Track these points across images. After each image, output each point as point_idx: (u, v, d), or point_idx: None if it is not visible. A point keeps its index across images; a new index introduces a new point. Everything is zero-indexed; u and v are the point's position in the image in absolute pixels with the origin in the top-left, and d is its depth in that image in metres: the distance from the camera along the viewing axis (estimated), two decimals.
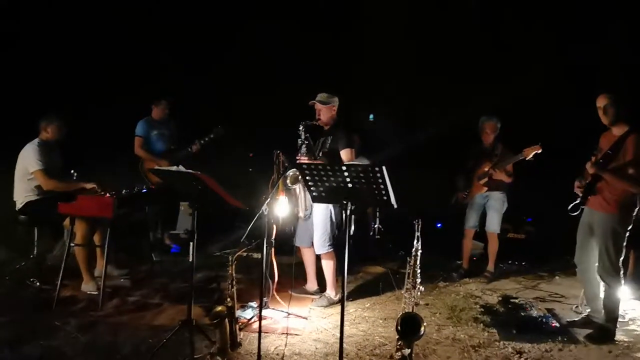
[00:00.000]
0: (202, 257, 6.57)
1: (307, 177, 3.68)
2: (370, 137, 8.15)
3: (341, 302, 3.66)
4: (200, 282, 5.96)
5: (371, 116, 9.25)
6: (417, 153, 8.56)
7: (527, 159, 5.95)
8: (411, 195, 9.13)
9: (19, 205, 5.51)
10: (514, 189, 6.50)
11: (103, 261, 5.28)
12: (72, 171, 5.74)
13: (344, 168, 3.54)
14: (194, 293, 5.44)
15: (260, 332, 3.77)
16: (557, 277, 6.58)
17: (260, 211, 3.58)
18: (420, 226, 4.33)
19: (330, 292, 5.47)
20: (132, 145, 6.94)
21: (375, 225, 7.96)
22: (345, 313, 5.11)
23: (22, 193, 5.47)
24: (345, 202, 3.61)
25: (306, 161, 5.03)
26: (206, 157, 7.33)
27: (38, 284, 5.51)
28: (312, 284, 5.73)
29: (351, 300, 5.62)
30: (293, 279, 5.43)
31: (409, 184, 9.17)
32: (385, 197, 3.59)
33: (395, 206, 3.72)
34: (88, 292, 5.35)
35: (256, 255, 6.66)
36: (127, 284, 5.70)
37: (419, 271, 4.22)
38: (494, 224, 6.50)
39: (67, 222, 5.32)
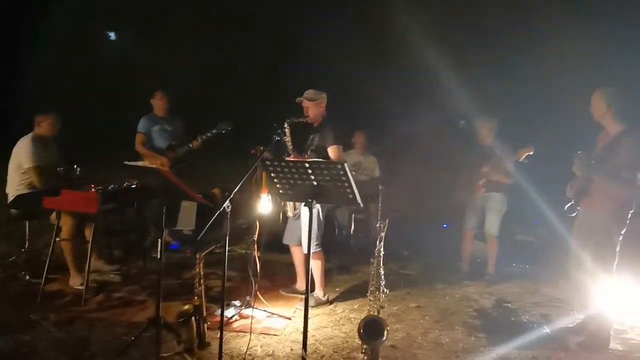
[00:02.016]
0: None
1: (272, 175, 3.59)
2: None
3: (305, 303, 3.53)
4: (192, 279, 5.88)
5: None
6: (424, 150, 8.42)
7: (519, 160, 5.80)
8: (419, 195, 9.11)
9: (10, 199, 5.55)
10: (523, 189, 6.30)
11: (89, 257, 5.27)
12: (74, 166, 5.75)
13: (307, 165, 3.44)
14: (182, 290, 5.52)
15: (222, 331, 3.69)
16: (560, 282, 6.33)
17: (222, 208, 3.49)
18: (385, 227, 4.18)
19: (319, 292, 5.38)
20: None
21: (378, 224, 7.80)
22: (331, 313, 5.14)
23: (14, 186, 5.50)
24: (310, 200, 3.51)
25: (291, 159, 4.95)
26: (209, 152, 7.31)
27: (28, 277, 5.54)
28: (301, 283, 5.64)
29: (341, 301, 5.53)
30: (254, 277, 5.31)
31: (416, 184, 9.14)
32: (350, 195, 3.48)
33: (362, 205, 3.61)
34: (75, 287, 5.35)
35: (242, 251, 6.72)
36: (116, 280, 5.69)
37: (382, 273, 4.08)
38: (493, 226, 6.32)
39: (53, 216, 5.33)
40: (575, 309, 5.10)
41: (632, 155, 4.31)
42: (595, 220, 4.54)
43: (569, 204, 4.67)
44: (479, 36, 8.54)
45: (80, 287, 5.23)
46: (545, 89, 7.88)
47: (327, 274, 5.60)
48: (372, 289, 4.00)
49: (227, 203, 3.48)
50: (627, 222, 4.48)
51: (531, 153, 5.83)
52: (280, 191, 3.65)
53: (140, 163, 4.89)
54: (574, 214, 4.70)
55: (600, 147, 4.56)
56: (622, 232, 4.48)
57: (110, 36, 11.57)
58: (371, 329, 3.50)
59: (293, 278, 5.82)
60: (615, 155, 4.35)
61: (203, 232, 3.57)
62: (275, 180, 3.59)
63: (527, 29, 8.16)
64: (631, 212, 4.46)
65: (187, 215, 7.65)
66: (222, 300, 3.69)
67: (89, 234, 5.53)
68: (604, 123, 4.56)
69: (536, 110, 7.96)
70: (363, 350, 3.58)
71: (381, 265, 4.10)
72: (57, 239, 5.29)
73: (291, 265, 6.10)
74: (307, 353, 4.09)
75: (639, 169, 4.37)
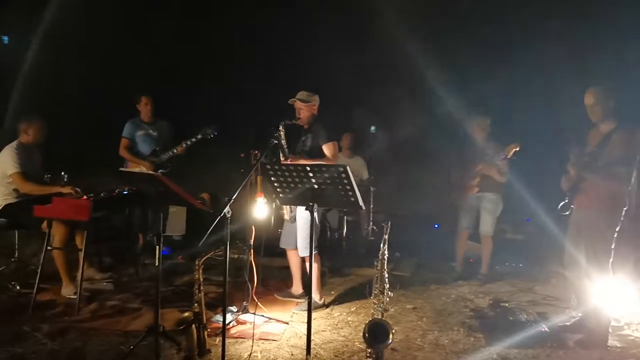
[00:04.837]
0: (191, 260, 6.47)
1: (273, 179, 3.55)
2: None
3: (308, 307, 3.50)
4: (185, 286, 5.83)
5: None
6: (413, 152, 8.45)
7: (508, 157, 5.82)
8: (409, 196, 9.14)
9: None
10: (513, 189, 6.32)
11: (82, 265, 5.17)
12: (62, 173, 5.64)
13: (308, 169, 3.41)
14: (176, 297, 5.46)
15: (224, 338, 3.63)
16: (553, 280, 6.38)
17: (222, 213, 3.43)
18: (388, 229, 4.15)
19: (315, 295, 5.32)
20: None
21: (369, 227, 7.81)
22: (329, 317, 5.10)
23: (0, 196, 5.38)
24: (311, 204, 3.48)
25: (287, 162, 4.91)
26: (197, 157, 7.24)
27: (18, 287, 5.43)
28: (297, 287, 5.60)
29: (337, 304, 5.50)
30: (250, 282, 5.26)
31: (407, 184, 9.17)
32: (352, 199, 3.46)
33: (363, 208, 3.59)
34: (67, 297, 5.25)
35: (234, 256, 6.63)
36: (109, 288, 5.60)
37: (386, 275, 4.05)
38: (486, 226, 6.33)
39: (45, 225, 5.23)
40: (571, 306, 5.12)
41: (626, 151, 4.32)
42: (589, 219, 4.56)
43: (562, 202, 4.68)
44: (468, 36, 8.57)
45: (72, 297, 5.14)
46: (533, 86, 7.92)
47: (320, 276, 5.56)
48: (376, 292, 3.96)
49: (227, 208, 3.42)
50: (621, 219, 4.50)
51: (517, 149, 5.83)
52: (281, 195, 3.61)
53: (136, 169, 4.82)
54: (567, 213, 4.71)
55: (593, 144, 4.57)
56: (617, 230, 4.50)
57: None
58: (376, 333, 3.47)
59: (287, 282, 5.79)
60: (609, 151, 4.36)
61: (204, 238, 3.50)
62: (275, 184, 3.55)
63: (514, 28, 8.22)
64: (625, 209, 4.48)
65: (176, 221, 7.64)
66: (224, 307, 3.64)
67: (80, 242, 5.44)
68: (598, 119, 4.54)
69: (525, 108, 8.00)
70: (368, 354, 3.54)
71: (385, 267, 4.06)
72: (49, 247, 5.17)
73: (284, 269, 6.08)
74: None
75: (633, 165, 4.38)
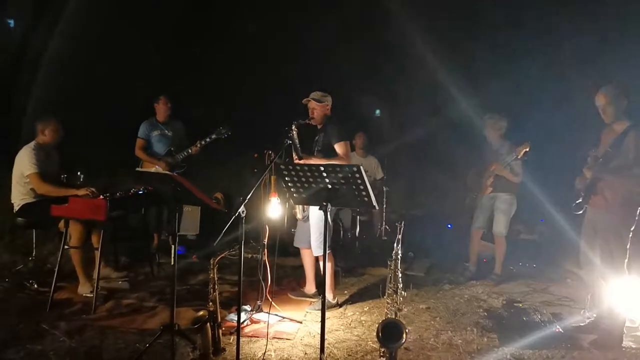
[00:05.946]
0: (206, 259, 6.51)
1: (287, 179, 3.58)
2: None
3: (322, 306, 3.52)
4: (200, 285, 5.88)
5: (377, 111, 9.14)
6: (426, 151, 8.44)
7: (519, 157, 5.81)
8: (422, 196, 9.14)
9: (16, 208, 5.49)
10: (526, 188, 6.29)
11: (99, 264, 5.23)
12: (78, 173, 5.70)
13: (322, 169, 3.43)
14: (191, 296, 5.51)
15: (238, 337, 3.67)
16: (568, 280, 6.35)
17: (237, 213, 3.47)
18: (402, 229, 4.16)
19: (328, 295, 5.34)
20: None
21: (382, 227, 7.83)
22: (342, 317, 5.12)
23: (19, 196, 5.45)
24: (325, 203, 3.50)
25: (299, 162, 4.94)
26: (210, 157, 7.30)
27: (36, 286, 5.49)
28: (310, 286, 5.62)
29: (350, 304, 5.51)
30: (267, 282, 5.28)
31: (420, 184, 9.18)
32: (366, 198, 3.48)
33: (377, 207, 3.60)
34: (84, 295, 5.31)
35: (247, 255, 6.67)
36: (125, 287, 5.65)
37: (400, 275, 4.06)
38: (500, 227, 6.31)
39: (62, 224, 5.29)
40: (586, 307, 5.09)
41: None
42: (603, 218, 4.53)
43: (576, 201, 4.66)
44: (481, 36, 8.56)
45: (89, 295, 5.20)
46: (546, 85, 7.90)
47: (334, 276, 5.58)
48: (389, 291, 3.97)
49: (242, 208, 3.45)
50: (636, 218, 4.47)
51: (528, 149, 5.84)
52: (295, 195, 3.63)
53: (152, 169, 4.87)
54: (581, 212, 4.69)
55: (607, 145, 4.54)
56: (632, 229, 4.48)
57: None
58: (389, 332, 3.48)
59: (301, 281, 5.81)
60: (624, 151, 4.34)
61: (219, 237, 3.54)
62: (289, 184, 3.58)
63: (528, 27, 8.19)
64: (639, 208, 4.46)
65: (190, 220, 7.68)
66: (238, 306, 3.67)
67: (96, 241, 5.49)
68: (611, 120, 4.51)
69: (538, 108, 7.97)
70: (381, 354, 3.55)
71: (398, 267, 4.07)
72: (66, 246, 5.24)
73: (297, 269, 6.10)
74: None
75: None
